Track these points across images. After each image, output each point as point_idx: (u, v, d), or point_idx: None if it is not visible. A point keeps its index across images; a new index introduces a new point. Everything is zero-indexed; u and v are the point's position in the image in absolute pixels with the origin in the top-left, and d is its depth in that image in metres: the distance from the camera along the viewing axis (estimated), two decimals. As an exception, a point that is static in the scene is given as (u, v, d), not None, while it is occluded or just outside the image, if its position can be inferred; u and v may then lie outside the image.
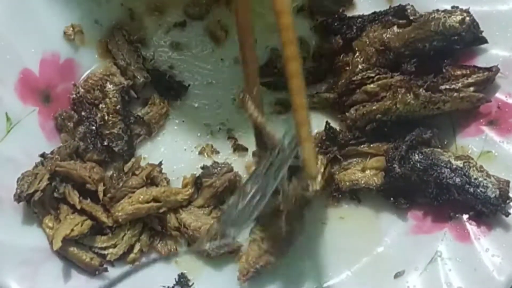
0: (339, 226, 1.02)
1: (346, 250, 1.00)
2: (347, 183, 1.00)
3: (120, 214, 0.97)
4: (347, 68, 1.03)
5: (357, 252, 1.00)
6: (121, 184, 0.99)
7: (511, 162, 0.97)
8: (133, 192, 0.99)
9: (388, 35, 1.00)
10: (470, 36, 0.97)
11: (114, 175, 1.01)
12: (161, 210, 0.99)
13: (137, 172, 1.00)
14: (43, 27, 1.02)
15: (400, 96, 0.97)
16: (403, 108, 0.97)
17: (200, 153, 1.05)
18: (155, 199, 0.99)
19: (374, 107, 0.99)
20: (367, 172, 0.99)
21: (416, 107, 0.97)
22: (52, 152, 0.99)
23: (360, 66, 1.01)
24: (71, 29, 1.04)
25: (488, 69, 0.98)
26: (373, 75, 1.00)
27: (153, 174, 1.01)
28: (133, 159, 1.02)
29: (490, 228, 0.95)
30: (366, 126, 1.00)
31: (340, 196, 1.02)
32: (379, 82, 0.99)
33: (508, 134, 0.98)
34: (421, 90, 0.96)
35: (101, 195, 0.98)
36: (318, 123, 1.03)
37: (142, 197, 0.98)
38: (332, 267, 1.00)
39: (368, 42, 1.01)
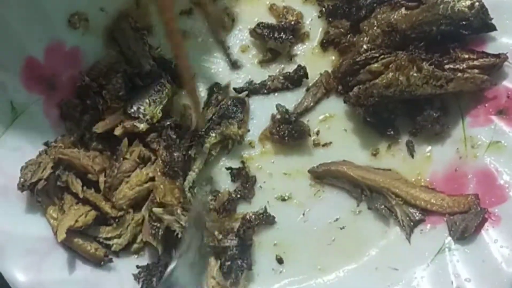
0: (350, 219, 1.01)
1: (354, 242, 1.00)
2: None
3: (122, 201, 0.97)
4: (353, 48, 1.02)
5: (364, 244, 0.99)
6: (115, 172, 0.98)
7: (521, 152, 0.96)
8: (129, 176, 0.98)
9: (395, 17, 0.99)
10: (478, 22, 0.96)
11: (106, 164, 1.00)
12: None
13: (127, 156, 0.99)
14: (48, 15, 1.01)
15: (403, 68, 0.96)
16: (406, 82, 0.96)
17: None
18: (152, 179, 0.99)
19: (377, 80, 0.98)
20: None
21: (419, 81, 0.96)
22: (56, 141, 0.99)
23: (365, 46, 1.00)
24: (76, 17, 1.03)
25: (496, 56, 0.97)
26: (377, 55, 0.99)
27: (144, 153, 1.00)
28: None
29: (499, 219, 0.94)
30: (369, 101, 0.99)
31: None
32: (383, 61, 0.98)
33: (517, 124, 0.97)
34: (424, 63, 0.95)
35: (102, 185, 0.98)
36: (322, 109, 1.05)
37: (139, 179, 0.98)
38: (339, 259, 0.99)
39: (375, 24, 1.00)
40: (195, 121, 1.00)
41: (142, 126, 0.99)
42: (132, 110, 0.99)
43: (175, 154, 0.98)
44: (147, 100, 1.00)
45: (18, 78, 0.99)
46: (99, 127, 0.99)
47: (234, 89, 1.06)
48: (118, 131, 0.99)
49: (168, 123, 1.00)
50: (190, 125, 1.02)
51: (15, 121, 0.99)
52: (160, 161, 0.97)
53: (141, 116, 0.99)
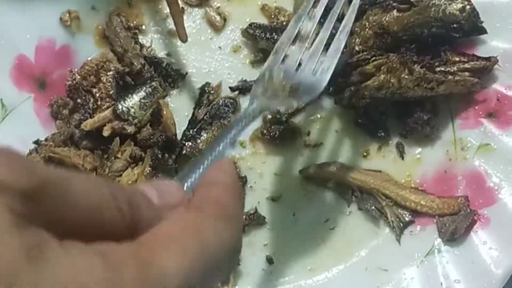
0: (340, 220, 1.01)
1: (344, 242, 1.00)
2: None
3: None
4: (344, 50, 1.02)
5: (355, 245, 0.99)
6: (107, 171, 0.98)
7: (510, 155, 0.96)
8: (120, 176, 0.98)
9: (387, 19, 0.99)
10: (469, 25, 0.97)
11: (97, 163, 1.00)
12: None
13: (119, 155, 0.99)
14: (39, 13, 1.01)
15: (394, 70, 0.96)
16: (397, 84, 0.96)
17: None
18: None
19: (369, 82, 0.98)
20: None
21: (410, 83, 0.96)
22: (46, 139, 0.99)
23: (356, 48, 1.00)
24: (68, 15, 1.03)
25: (486, 59, 0.97)
26: (369, 57, 0.99)
27: (136, 152, 0.99)
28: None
29: (488, 221, 0.94)
30: (360, 102, 0.99)
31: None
32: (375, 62, 0.98)
33: (507, 127, 0.97)
34: (415, 66, 0.96)
35: None
36: (313, 110, 1.04)
37: (130, 178, 0.98)
38: (329, 259, 0.99)
39: (367, 25, 1.00)
40: (179, 33, 1.00)
41: (130, 129, 0.98)
42: (122, 111, 0.98)
43: (159, 175, 0.97)
44: (138, 103, 1.00)
45: (8, 76, 0.99)
46: (87, 125, 0.99)
47: (230, 88, 1.06)
48: (106, 132, 0.98)
49: (155, 140, 0.99)
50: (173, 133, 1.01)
51: (5, 119, 0.98)
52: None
53: (130, 118, 0.98)
